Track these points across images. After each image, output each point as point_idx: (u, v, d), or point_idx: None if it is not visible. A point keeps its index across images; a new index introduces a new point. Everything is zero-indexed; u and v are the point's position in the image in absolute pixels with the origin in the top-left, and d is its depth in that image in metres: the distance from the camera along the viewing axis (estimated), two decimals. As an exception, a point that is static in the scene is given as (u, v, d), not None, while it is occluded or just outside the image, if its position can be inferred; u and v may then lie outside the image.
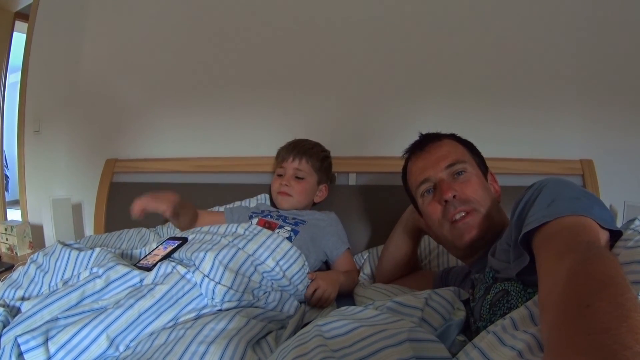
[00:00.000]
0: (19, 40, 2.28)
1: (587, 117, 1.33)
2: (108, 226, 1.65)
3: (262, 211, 1.28)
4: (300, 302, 0.97)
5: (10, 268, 1.43)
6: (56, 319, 0.68)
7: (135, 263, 0.92)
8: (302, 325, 0.83)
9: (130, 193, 1.66)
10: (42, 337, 0.63)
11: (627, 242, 0.50)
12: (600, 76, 1.32)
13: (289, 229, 1.14)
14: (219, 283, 0.80)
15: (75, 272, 0.88)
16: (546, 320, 0.40)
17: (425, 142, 0.89)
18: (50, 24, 1.97)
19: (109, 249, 0.91)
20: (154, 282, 0.79)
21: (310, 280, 1.01)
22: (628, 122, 1.30)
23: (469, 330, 0.67)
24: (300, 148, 1.31)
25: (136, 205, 1.07)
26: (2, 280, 0.94)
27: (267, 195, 1.45)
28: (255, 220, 1.18)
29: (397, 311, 0.61)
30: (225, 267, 0.84)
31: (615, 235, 0.54)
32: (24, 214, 2.09)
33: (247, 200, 1.45)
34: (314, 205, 1.37)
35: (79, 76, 1.89)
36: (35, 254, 0.96)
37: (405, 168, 0.94)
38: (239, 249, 0.90)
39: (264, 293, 0.89)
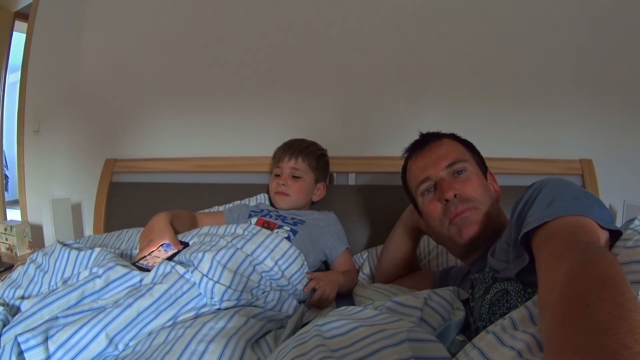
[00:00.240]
0: (18, 40, 2.28)
1: (586, 117, 1.33)
2: (107, 226, 1.65)
3: (262, 210, 1.28)
4: (300, 302, 0.97)
5: (9, 268, 1.43)
6: (56, 318, 0.68)
7: (134, 262, 0.92)
8: (301, 325, 0.83)
9: (129, 193, 1.68)
10: (41, 336, 0.63)
11: (627, 242, 0.50)
12: (599, 76, 1.32)
13: (288, 229, 1.14)
14: (217, 282, 0.80)
15: (75, 272, 0.88)
16: (546, 320, 0.40)
17: (425, 141, 0.89)
18: (50, 23, 1.97)
19: (108, 249, 0.91)
20: (152, 281, 0.79)
21: (309, 280, 1.01)
22: (628, 121, 1.30)
23: (469, 330, 0.67)
24: (295, 147, 1.32)
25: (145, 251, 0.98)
26: (2, 280, 0.94)
27: (266, 195, 1.45)
28: (254, 220, 1.18)
29: (396, 311, 0.61)
30: (224, 266, 0.84)
31: (615, 235, 0.54)
32: (23, 213, 2.09)
33: (247, 199, 1.45)
34: (312, 205, 1.37)
35: (79, 76, 1.89)
36: (35, 254, 0.96)
37: (404, 167, 0.94)
38: (237, 249, 0.90)
39: (263, 292, 0.89)
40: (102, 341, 0.66)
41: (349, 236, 1.28)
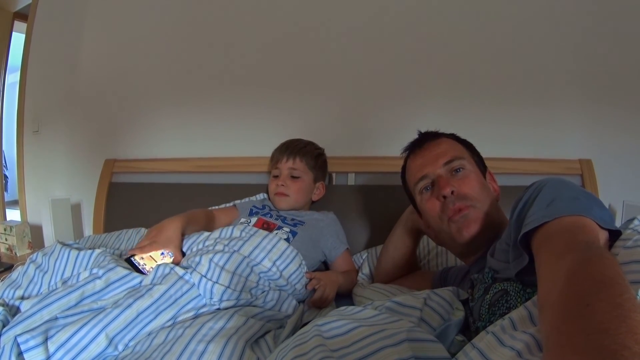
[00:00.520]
0: (18, 40, 2.28)
1: (586, 117, 1.33)
2: (107, 226, 1.65)
3: (264, 207, 1.28)
4: (299, 302, 0.97)
5: (9, 268, 1.43)
6: (55, 318, 0.68)
7: (128, 256, 0.90)
8: (300, 325, 0.83)
9: (129, 193, 1.68)
10: (41, 336, 0.63)
11: (626, 242, 0.50)
12: (599, 76, 1.32)
13: (288, 230, 1.14)
14: (216, 282, 0.81)
15: (75, 272, 0.88)
16: (545, 320, 0.40)
17: (424, 140, 0.89)
18: (49, 24, 1.97)
19: (108, 250, 0.91)
20: (152, 282, 0.79)
21: (308, 280, 1.02)
22: (627, 121, 1.30)
23: (468, 330, 0.67)
24: (293, 148, 1.32)
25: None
26: (2, 280, 0.94)
27: (266, 195, 1.45)
28: (254, 220, 1.18)
29: (396, 311, 0.61)
30: (222, 268, 0.84)
31: (615, 235, 0.54)
32: (23, 214, 2.09)
33: (247, 198, 1.45)
34: (312, 204, 1.37)
35: (78, 76, 1.89)
36: (35, 254, 0.96)
37: (404, 167, 0.94)
38: (234, 251, 0.90)
39: (262, 292, 0.89)
40: (101, 341, 0.66)
41: (348, 236, 1.28)
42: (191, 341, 0.64)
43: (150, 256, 0.93)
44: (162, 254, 0.94)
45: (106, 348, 0.66)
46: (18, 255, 1.67)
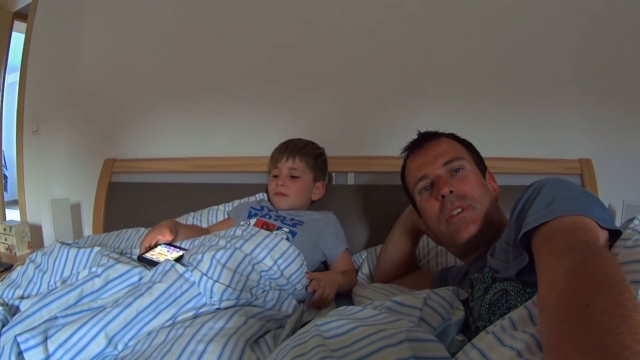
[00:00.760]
0: (17, 40, 2.28)
1: (586, 117, 1.33)
2: (107, 226, 1.65)
3: (262, 208, 1.28)
4: (299, 302, 0.97)
5: (9, 268, 1.43)
6: (55, 318, 0.68)
7: (140, 255, 0.96)
8: (300, 324, 0.83)
9: (128, 193, 1.68)
10: (41, 336, 0.63)
11: (626, 242, 0.50)
12: (599, 76, 1.32)
13: (287, 230, 1.14)
14: (217, 281, 0.80)
15: (74, 271, 0.88)
16: (545, 320, 0.40)
17: (424, 140, 0.89)
18: (49, 24, 1.97)
19: (107, 248, 0.92)
20: (152, 279, 0.79)
21: (308, 280, 1.01)
22: (627, 121, 1.30)
23: (468, 330, 0.67)
24: (293, 147, 1.31)
25: (145, 243, 1.05)
26: (1, 280, 0.94)
27: (265, 194, 1.45)
28: (253, 221, 1.18)
29: (395, 311, 0.61)
30: (223, 265, 0.84)
31: (615, 235, 0.54)
32: (22, 214, 2.09)
33: (247, 198, 1.45)
34: (312, 204, 1.37)
35: (78, 76, 1.89)
36: (34, 254, 0.96)
37: (404, 166, 0.94)
38: (237, 249, 0.90)
39: (262, 292, 0.89)
40: (101, 341, 0.66)
41: (348, 236, 1.28)
42: (191, 341, 0.64)
43: (159, 253, 0.96)
44: (168, 250, 0.97)
45: (106, 347, 0.66)
46: (17, 255, 1.67)
